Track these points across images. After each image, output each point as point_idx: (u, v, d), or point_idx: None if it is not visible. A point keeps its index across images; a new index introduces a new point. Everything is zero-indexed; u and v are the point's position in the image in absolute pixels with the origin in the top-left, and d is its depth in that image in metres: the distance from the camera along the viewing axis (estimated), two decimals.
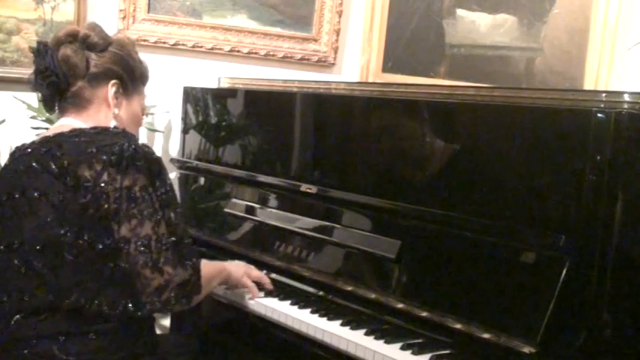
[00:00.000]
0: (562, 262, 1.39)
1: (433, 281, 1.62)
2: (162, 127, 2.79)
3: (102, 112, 1.60)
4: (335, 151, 2.00)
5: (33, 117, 2.44)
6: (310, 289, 1.86)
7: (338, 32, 2.96)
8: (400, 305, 1.63)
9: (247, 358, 1.97)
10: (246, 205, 2.13)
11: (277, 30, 2.90)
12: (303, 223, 1.94)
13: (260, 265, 1.94)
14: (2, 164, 1.68)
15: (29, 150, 1.53)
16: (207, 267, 1.65)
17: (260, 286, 1.85)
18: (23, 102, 2.42)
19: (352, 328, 1.62)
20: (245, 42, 2.87)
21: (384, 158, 1.84)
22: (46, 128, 2.12)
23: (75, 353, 1.42)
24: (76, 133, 1.50)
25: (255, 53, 2.89)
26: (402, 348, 1.51)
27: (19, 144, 1.61)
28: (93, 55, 1.59)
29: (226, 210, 2.18)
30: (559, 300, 1.37)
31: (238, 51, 2.87)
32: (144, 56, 1.74)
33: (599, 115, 1.39)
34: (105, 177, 1.42)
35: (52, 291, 1.43)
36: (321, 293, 1.83)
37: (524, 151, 1.52)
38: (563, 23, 2.82)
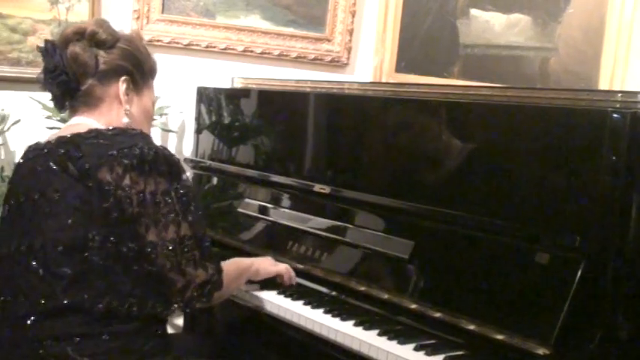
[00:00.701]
0: (577, 263, 1.38)
1: (446, 282, 1.62)
2: (176, 128, 2.80)
3: (114, 109, 1.59)
4: (348, 152, 2.00)
5: (48, 117, 2.45)
6: (323, 289, 1.86)
7: (351, 32, 2.96)
8: (413, 306, 1.63)
9: (260, 358, 1.97)
10: (259, 204, 2.14)
11: (290, 30, 2.90)
12: (316, 223, 1.94)
13: None
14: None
15: (45, 150, 1.52)
16: (232, 265, 1.67)
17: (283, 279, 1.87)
18: (39, 102, 2.43)
19: (365, 329, 1.62)
20: (258, 42, 2.88)
21: (398, 158, 1.84)
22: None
23: (89, 354, 1.42)
24: (94, 134, 1.49)
25: (269, 53, 2.89)
26: (416, 349, 1.51)
27: (32, 143, 1.60)
28: (102, 52, 1.56)
29: (239, 210, 2.19)
30: (574, 301, 1.36)
31: (251, 51, 2.87)
32: (158, 56, 1.73)
33: (615, 115, 1.38)
34: (127, 181, 1.42)
35: (78, 294, 1.42)
36: (334, 293, 1.83)
37: (538, 151, 1.51)
38: (578, 22, 2.79)
